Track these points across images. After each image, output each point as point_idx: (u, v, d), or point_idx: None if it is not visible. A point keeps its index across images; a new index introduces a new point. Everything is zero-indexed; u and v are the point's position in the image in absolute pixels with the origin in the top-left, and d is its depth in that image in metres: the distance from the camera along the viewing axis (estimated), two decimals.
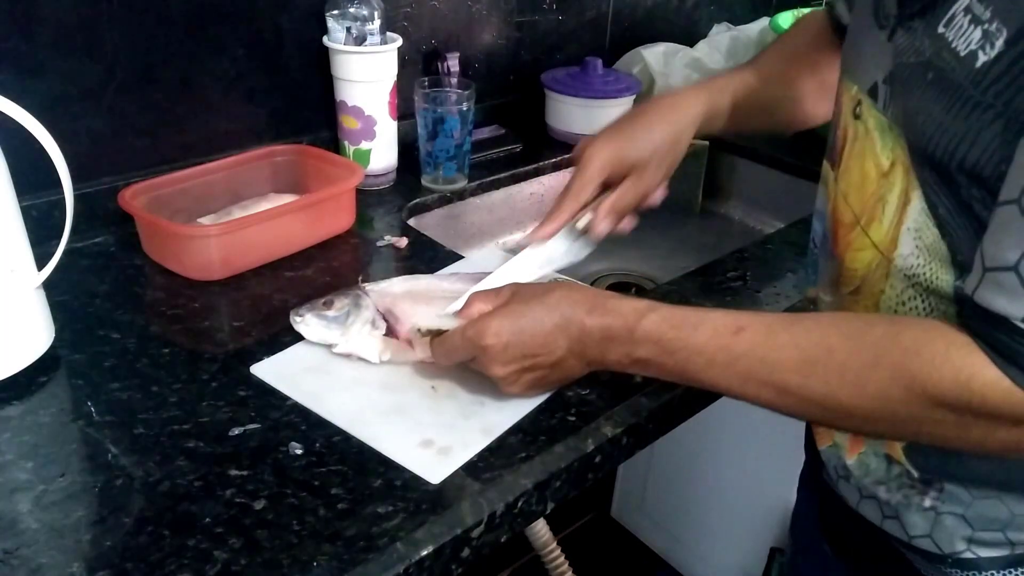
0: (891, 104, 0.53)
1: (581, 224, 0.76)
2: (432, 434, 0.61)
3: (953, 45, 0.46)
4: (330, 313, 0.69)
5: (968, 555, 0.56)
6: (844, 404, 0.49)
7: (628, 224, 0.79)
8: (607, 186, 0.76)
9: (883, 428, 0.51)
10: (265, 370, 0.68)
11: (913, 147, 0.51)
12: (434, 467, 0.58)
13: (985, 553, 0.56)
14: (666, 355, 0.56)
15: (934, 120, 0.48)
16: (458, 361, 0.63)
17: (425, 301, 0.71)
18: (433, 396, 0.65)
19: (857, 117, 0.57)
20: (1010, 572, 0.56)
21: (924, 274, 0.52)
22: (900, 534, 0.60)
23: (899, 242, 0.53)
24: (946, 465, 0.55)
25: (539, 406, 0.65)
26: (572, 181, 0.76)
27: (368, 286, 0.73)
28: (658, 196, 0.79)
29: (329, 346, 0.69)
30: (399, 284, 0.74)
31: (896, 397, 0.47)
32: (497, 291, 0.64)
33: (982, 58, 0.44)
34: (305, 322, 0.69)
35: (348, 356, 0.69)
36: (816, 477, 0.71)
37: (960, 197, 0.48)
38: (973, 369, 0.44)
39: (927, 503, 0.57)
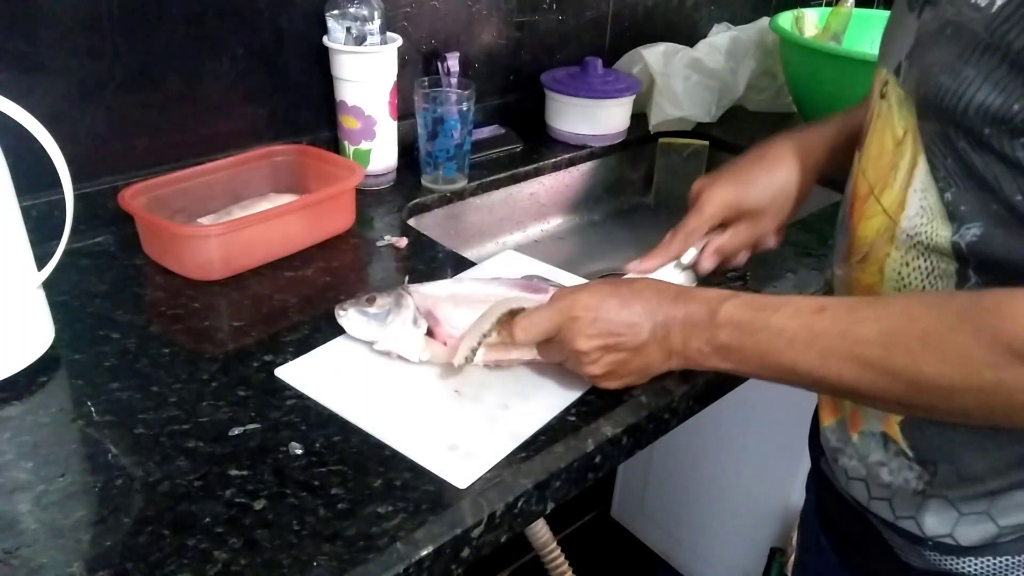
0: (908, 76, 0.54)
1: (687, 260, 0.77)
2: (457, 438, 0.61)
3: (973, 1, 0.47)
4: (371, 310, 0.69)
5: (948, 541, 0.57)
6: (927, 374, 0.48)
7: (740, 260, 0.80)
8: (722, 225, 0.77)
9: (970, 402, 0.48)
10: (289, 373, 0.67)
11: (922, 102, 0.51)
12: (460, 471, 0.58)
13: (966, 540, 0.56)
14: (746, 336, 0.56)
15: (946, 67, 0.48)
16: (541, 336, 0.63)
17: (467, 305, 0.70)
18: (458, 400, 0.65)
19: (883, 97, 0.58)
20: (987, 560, 0.56)
21: (926, 232, 0.53)
22: (887, 514, 0.60)
23: (906, 204, 0.54)
24: (942, 446, 0.56)
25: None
26: (687, 220, 0.76)
27: (412, 287, 0.73)
28: (772, 242, 0.80)
29: (370, 343, 0.69)
30: (442, 287, 0.74)
31: (980, 359, 0.46)
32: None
33: (998, 3, 0.45)
34: (348, 316, 0.70)
35: (388, 354, 0.69)
36: (816, 468, 0.71)
37: (958, 152, 0.49)
38: None
39: (920, 486, 0.57)
